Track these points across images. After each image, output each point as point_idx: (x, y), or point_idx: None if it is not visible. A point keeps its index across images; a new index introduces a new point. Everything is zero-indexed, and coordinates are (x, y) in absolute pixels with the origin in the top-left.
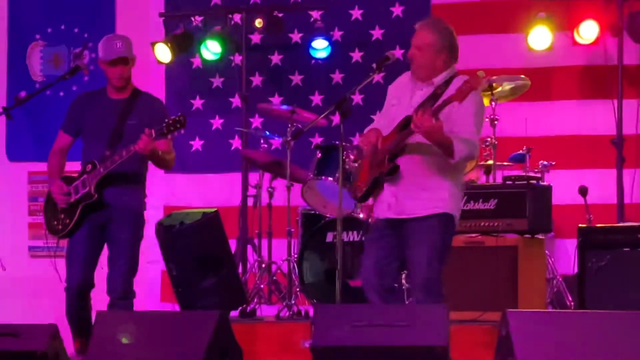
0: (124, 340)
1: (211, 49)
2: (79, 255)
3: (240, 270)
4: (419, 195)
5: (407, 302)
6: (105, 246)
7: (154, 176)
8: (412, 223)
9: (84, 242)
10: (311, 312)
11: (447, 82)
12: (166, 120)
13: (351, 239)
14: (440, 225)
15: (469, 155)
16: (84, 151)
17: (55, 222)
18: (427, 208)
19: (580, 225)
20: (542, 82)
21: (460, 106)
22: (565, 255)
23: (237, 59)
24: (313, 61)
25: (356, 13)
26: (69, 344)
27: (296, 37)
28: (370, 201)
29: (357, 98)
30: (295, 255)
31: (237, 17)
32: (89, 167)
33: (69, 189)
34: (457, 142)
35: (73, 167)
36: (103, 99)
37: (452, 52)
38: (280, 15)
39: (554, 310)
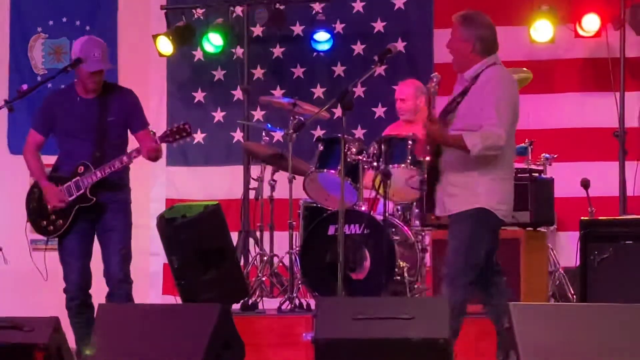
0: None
1: (213, 42)
2: (75, 257)
3: (242, 263)
4: (453, 192)
5: (409, 295)
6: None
7: (156, 169)
8: (451, 219)
9: (79, 242)
10: (313, 305)
11: (477, 77)
12: (171, 128)
13: (353, 232)
14: (471, 220)
15: (489, 146)
16: (65, 150)
17: (45, 222)
18: (461, 204)
19: (582, 218)
20: (545, 74)
21: (480, 97)
22: (567, 248)
23: (239, 51)
24: (315, 54)
25: (358, 5)
26: (71, 337)
27: (298, 29)
28: (372, 194)
29: (359, 91)
30: (297, 248)
31: (238, 10)
32: (81, 168)
33: (62, 191)
34: (468, 137)
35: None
36: (76, 98)
37: (482, 43)
38: (281, 7)
39: (556, 302)
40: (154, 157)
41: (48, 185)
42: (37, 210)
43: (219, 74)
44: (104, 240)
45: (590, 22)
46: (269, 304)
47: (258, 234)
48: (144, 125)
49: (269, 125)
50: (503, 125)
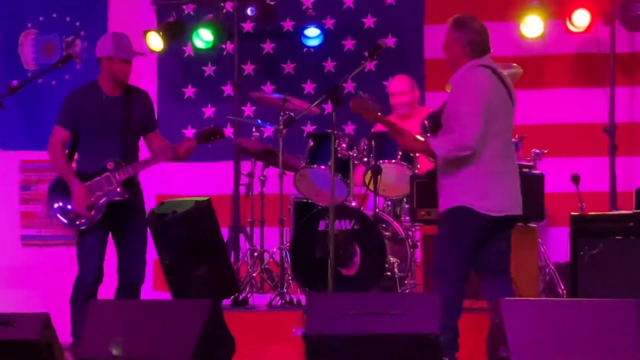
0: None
1: (203, 38)
2: (95, 252)
3: (232, 258)
4: (440, 191)
5: (399, 291)
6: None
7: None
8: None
9: (100, 238)
10: (303, 301)
11: None
12: (206, 129)
13: (343, 228)
14: (450, 218)
15: (455, 147)
16: (89, 148)
17: (73, 216)
18: (443, 204)
19: (572, 213)
20: (535, 70)
21: (453, 98)
22: (557, 244)
23: (229, 47)
24: (305, 49)
25: (348, 1)
26: (61, 333)
27: (288, 25)
28: (362, 190)
29: (349, 86)
30: (288, 244)
31: (229, 6)
32: (111, 164)
33: (92, 189)
34: (434, 142)
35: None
36: (102, 96)
37: (471, 47)
38: (272, 3)
39: (546, 298)
40: (187, 156)
41: (78, 187)
42: (65, 202)
43: (209, 70)
44: (127, 240)
45: (581, 18)
46: (260, 299)
47: (248, 229)
48: (157, 126)
49: (260, 121)
50: (469, 125)
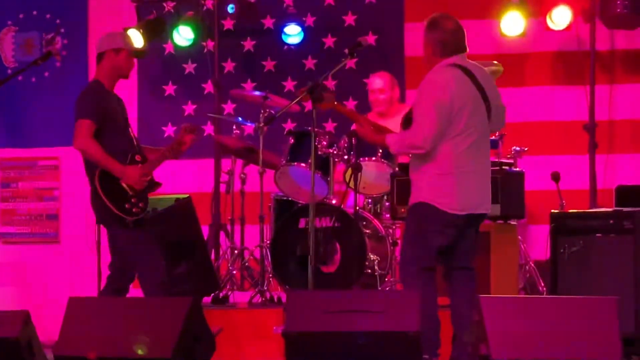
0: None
1: (183, 35)
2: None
3: (212, 256)
4: (410, 188)
5: (379, 288)
6: None
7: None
8: None
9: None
10: (284, 298)
11: None
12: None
13: (324, 225)
14: (414, 213)
15: (406, 145)
16: (112, 144)
17: (128, 205)
18: (411, 199)
19: (552, 210)
20: (515, 68)
21: (415, 99)
22: (537, 241)
23: (210, 44)
24: (285, 47)
25: None
26: (41, 331)
27: (269, 22)
28: (342, 187)
29: (330, 84)
30: (268, 242)
31: (209, 3)
32: (138, 157)
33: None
34: (389, 138)
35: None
36: (109, 93)
37: (442, 47)
38: (252, 1)
39: (526, 295)
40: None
41: (125, 166)
42: (117, 193)
43: (189, 67)
44: None
45: (561, 16)
46: (240, 297)
47: (229, 227)
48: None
49: (240, 119)
50: (421, 125)
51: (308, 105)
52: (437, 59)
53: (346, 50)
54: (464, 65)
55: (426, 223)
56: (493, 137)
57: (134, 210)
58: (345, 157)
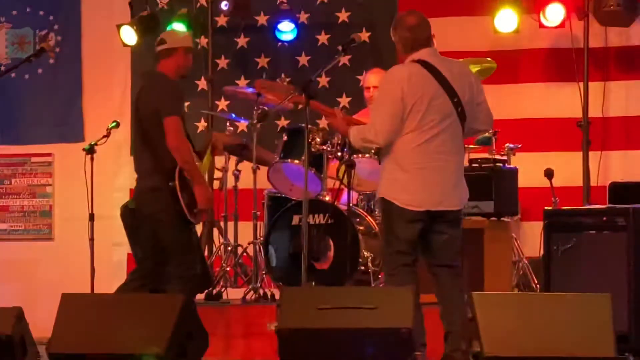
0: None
1: None
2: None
3: (206, 253)
4: None
5: (373, 285)
6: None
7: (120, 158)
8: None
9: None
10: (277, 295)
11: None
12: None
13: (317, 222)
14: (380, 210)
15: (362, 139)
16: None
17: (195, 211)
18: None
19: (546, 207)
20: (508, 65)
21: None
22: (531, 238)
23: (203, 41)
24: (279, 44)
25: None
26: (34, 327)
27: (262, 19)
28: (336, 184)
29: (324, 81)
30: (261, 238)
31: (202, 0)
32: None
33: None
34: (351, 130)
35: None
36: None
37: (403, 45)
38: None
39: (520, 292)
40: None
41: (206, 186)
42: (189, 197)
43: None
44: None
45: (555, 12)
46: (233, 294)
47: (222, 224)
48: None
49: (233, 115)
50: (374, 121)
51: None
52: (405, 56)
53: (340, 47)
54: (428, 60)
55: (390, 219)
56: (486, 134)
57: (197, 217)
58: (339, 153)
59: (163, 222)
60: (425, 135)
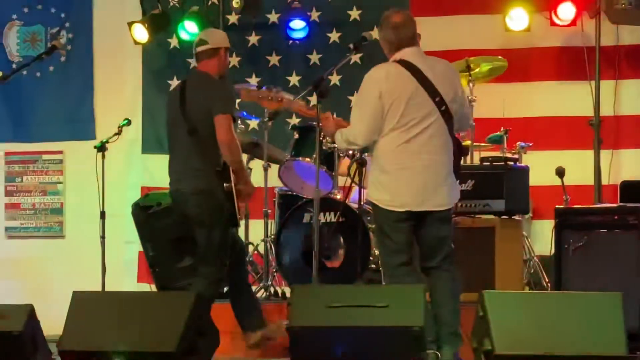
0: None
1: (188, 29)
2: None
3: None
4: None
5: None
6: None
7: (131, 156)
8: None
9: None
10: (288, 293)
11: None
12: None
13: (328, 220)
14: (372, 209)
15: (344, 141)
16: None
17: (239, 207)
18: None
19: (557, 206)
20: (520, 63)
21: None
22: (542, 236)
23: None
24: (290, 42)
25: None
26: (45, 325)
27: (273, 17)
28: (347, 182)
29: (335, 79)
30: (272, 236)
31: None
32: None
33: None
34: (337, 133)
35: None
36: None
37: (387, 44)
38: None
39: (530, 291)
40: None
41: (252, 184)
42: (234, 198)
43: (194, 62)
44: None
45: (566, 11)
46: None
47: None
48: None
49: (245, 113)
50: (353, 122)
51: (313, 100)
52: (390, 55)
53: (351, 45)
54: (410, 60)
55: (379, 220)
56: (498, 133)
57: (238, 217)
58: (350, 152)
59: (207, 224)
60: (406, 135)
